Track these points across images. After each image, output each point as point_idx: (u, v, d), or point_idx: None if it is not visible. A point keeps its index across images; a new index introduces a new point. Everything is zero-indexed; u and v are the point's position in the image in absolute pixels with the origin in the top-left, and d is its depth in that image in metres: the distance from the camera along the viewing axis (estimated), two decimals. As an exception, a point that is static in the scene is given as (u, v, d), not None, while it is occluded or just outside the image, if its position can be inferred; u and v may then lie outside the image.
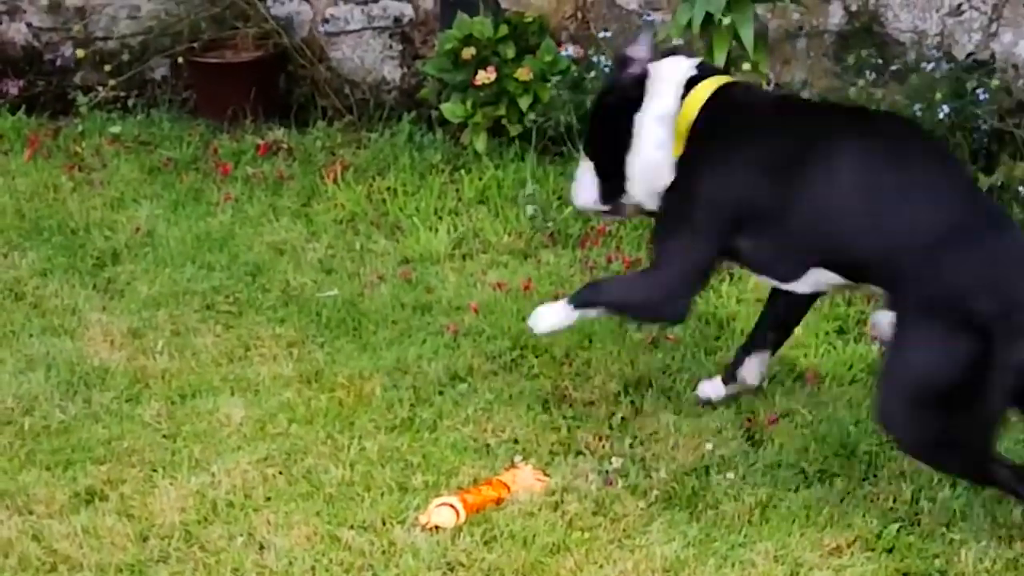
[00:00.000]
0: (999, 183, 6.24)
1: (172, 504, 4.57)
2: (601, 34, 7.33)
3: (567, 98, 6.98)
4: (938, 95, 6.26)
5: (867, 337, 5.65)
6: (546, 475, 4.77)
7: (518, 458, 4.87)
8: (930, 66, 6.44)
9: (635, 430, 5.06)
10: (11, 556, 4.34)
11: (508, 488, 4.64)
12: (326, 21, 8.10)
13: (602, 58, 7.08)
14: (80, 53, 8.28)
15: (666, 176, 4.77)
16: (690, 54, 5.19)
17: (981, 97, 6.30)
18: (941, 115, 6.26)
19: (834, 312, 5.82)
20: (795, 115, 4.95)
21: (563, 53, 7.19)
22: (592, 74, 7.06)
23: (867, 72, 6.71)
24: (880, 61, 6.70)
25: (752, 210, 4.61)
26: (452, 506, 4.50)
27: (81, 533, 4.43)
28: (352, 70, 8.10)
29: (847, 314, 5.82)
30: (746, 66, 6.51)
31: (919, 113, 6.30)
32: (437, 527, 4.46)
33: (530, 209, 6.67)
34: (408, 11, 7.99)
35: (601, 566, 4.31)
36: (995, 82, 6.41)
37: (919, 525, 4.51)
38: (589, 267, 6.27)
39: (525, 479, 4.72)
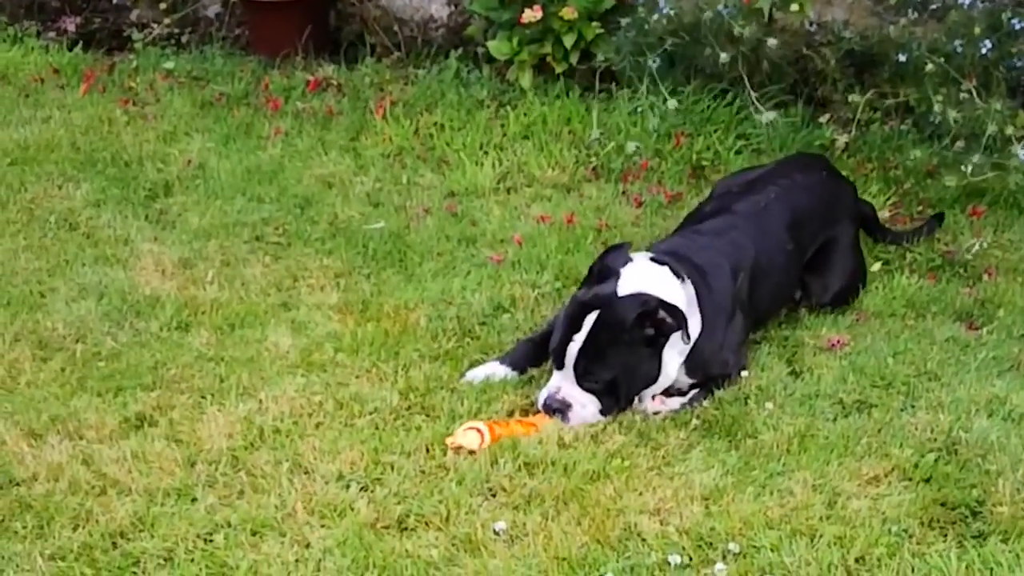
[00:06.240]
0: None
1: (220, 430, 4.64)
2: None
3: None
4: (977, 31, 6.21)
5: (908, 271, 5.67)
6: None
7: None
8: (967, 2, 6.39)
9: (676, 360, 5.10)
10: (62, 480, 4.41)
11: (536, 427, 4.69)
12: (376, -40, 8.13)
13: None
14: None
15: None
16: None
17: (1017, 27, 6.24)
18: (983, 51, 6.22)
19: (877, 249, 5.86)
20: None
21: None
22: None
23: (908, 11, 6.66)
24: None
25: None
26: (479, 430, 4.56)
27: (130, 458, 4.50)
28: (401, 8, 8.13)
29: (888, 249, 5.87)
30: (794, 7, 6.51)
31: (960, 49, 6.26)
32: (462, 447, 4.53)
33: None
34: (456, -50, 8.01)
35: (640, 493, 4.34)
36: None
37: (956, 455, 4.52)
38: (634, 200, 6.30)
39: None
